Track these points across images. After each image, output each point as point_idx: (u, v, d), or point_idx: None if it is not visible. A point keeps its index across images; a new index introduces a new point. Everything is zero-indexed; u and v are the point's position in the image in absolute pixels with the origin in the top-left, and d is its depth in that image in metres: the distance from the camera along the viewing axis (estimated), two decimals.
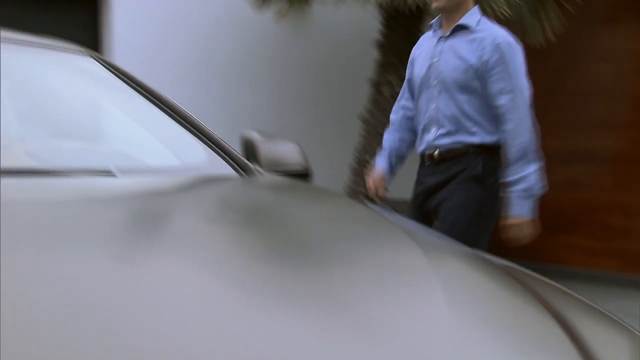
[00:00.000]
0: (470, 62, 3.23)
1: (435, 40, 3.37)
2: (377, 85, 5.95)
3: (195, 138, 2.11)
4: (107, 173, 1.81)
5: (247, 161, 2.12)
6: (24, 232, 1.30)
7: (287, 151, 2.24)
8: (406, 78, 3.50)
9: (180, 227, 1.48)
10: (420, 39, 3.49)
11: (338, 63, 6.99)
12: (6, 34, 2.20)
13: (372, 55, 6.09)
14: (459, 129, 3.28)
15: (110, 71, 2.23)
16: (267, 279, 1.20)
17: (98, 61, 2.27)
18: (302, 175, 2.22)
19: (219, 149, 2.10)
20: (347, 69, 6.99)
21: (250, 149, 2.18)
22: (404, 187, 6.83)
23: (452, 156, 3.27)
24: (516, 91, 3.19)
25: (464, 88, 3.25)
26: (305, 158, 2.27)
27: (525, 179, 3.21)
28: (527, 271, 1.60)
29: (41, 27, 5.71)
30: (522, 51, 3.25)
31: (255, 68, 6.76)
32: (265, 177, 2.08)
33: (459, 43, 3.27)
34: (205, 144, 2.11)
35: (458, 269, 1.44)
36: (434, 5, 3.31)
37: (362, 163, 5.84)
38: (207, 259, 1.25)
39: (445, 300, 1.16)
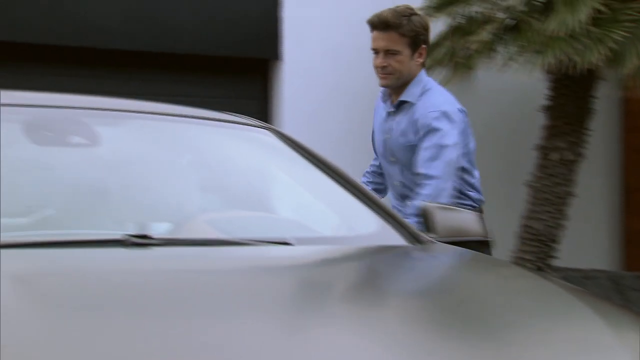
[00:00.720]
0: (411, 140, 3.11)
1: (384, 112, 3.27)
2: (544, 151, 5.82)
3: (368, 208, 2.15)
4: (285, 243, 1.88)
5: (419, 230, 2.12)
6: (204, 298, 1.38)
7: (466, 219, 2.21)
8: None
9: (352, 297, 1.50)
10: (376, 101, 3.38)
11: (502, 129, 6.90)
12: (191, 110, 2.35)
13: (538, 120, 5.97)
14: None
15: (287, 144, 2.33)
16: (443, 354, 1.19)
17: (275, 134, 2.37)
18: (482, 243, 2.18)
19: (392, 218, 2.13)
20: (512, 134, 6.89)
21: (426, 218, 2.18)
22: (576, 256, 6.59)
23: None
24: (440, 161, 3.01)
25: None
26: (484, 226, 2.23)
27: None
28: None
29: (214, 100, 6.02)
30: (456, 122, 3.08)
31: None
32: (438, 246, 2.08)
33: (403, 120, 3.16)
34: (377, 213, 2.14)
35: None
36: (381, 83, 3.18)
37: (529, 230, 5.70)
38: (377, 330, 1.26)
39: None
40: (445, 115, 3.08)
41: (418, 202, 2.86)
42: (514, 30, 5.66)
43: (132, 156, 2.24)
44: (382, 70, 3.15)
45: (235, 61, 6.31)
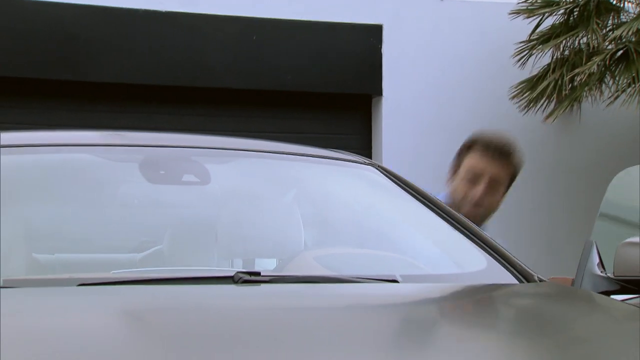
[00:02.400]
0: None
1: None
2: None
3: (476, 246, 2.12)
4: (392, 280, 1.87)
5: (527, 268, 2.08)
6: (309, 335, 1.39)
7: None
8: None
9: (456, 336, 1.48)
10: None
11: (609, 162, 6.71)
12: (297, 148, 2.38)
13: None
14: None
15: (392, 180, 2.33)
16: None
17: (381, 171, 2.38)
18: None
19: (500, 256, 2.09)
20: (620, 168, 6.69)
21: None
22: None
23: None
24: None
25: None
26: None
27: None
28: None
29: (319, 135, 6.09)
30: None
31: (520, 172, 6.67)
32: (547, 284, 2.03)
33: None
34: (486, 251, 2.11)
35: None
36: None
37: None
38: None
39: None
40: None
41: None
42: (622, 61, 5.53)
43: (240, 193, 2.29)
44: None
45: (339, 97, 6.39)
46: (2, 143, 1.98)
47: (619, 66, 5.58)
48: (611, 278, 1.99)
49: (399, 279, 1.88)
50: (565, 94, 5.80)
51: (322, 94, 6.31)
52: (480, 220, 2.69)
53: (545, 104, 6.00)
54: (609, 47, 5.61)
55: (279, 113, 6.28)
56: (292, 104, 6.30)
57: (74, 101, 5.83)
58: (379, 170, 2.38)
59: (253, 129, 5.86)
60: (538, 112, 6.15)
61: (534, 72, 5.98)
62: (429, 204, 2.24)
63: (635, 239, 2.06)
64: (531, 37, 5.97)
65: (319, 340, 1.36)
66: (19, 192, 1.98)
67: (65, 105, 5.81)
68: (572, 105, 5.96)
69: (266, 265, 2.27)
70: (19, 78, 5.69)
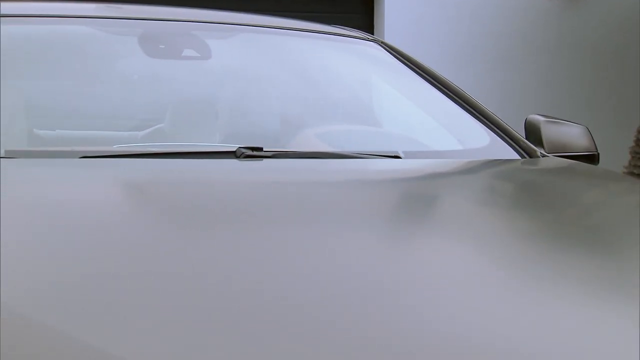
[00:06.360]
0: None
1: None
2: None
3: (480, 122, 2.11)
4: (394, 156, 1.87)
5: (530, 144, 2.08)
6: (310, 207, 1.39)
7: (573, 134, 2.16)
8: None
9: (458, 209, 1.49)
10: None
11: (613, 42, 6.62)
12: (300, 23, 2.34)
13: None
14: None
15: (396, 57, 2.29)
16: (550, 267, 1.17)
17: (384, 47, 2.34)
18: (589, 158, 2.13)
19: (503, 132, 2.09)
20: (624, 48, 6.60)
21: (533, 132, 2.14)
22: None
23: None
24: None
25: None
26: (592, 141, 2.18)
27: None
28: None
29: (319, 15, 5.99)
30: None
31: (523, 50, 6.59)
32: (550, 160, 2.03)
33: None
34: (489, 127, 2.10)
35: None
36: None
37: None
38: (483, 242, 1.25)
39: None
40: None
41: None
42: None
43: (241, 69, 2.26)
44: None
45: None
46: (1, 13, 1.95)
47: None
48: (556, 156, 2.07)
49: (401, 154, 1.88)
50: None
51: None
52: None
53: None
54: None
55: None
56: None
57: None
58: (382, 46, 2.35)
59: (252, 8, 5.75)
60: None
61: None
62: (433, 81, 2.21)
63: (537, 116, 2.20)
64: None
65: (320, 213, 1.37)
66: (17, 64, 1.96)
67: None
68: None
69: (268, 142, 2.26)
70: None
